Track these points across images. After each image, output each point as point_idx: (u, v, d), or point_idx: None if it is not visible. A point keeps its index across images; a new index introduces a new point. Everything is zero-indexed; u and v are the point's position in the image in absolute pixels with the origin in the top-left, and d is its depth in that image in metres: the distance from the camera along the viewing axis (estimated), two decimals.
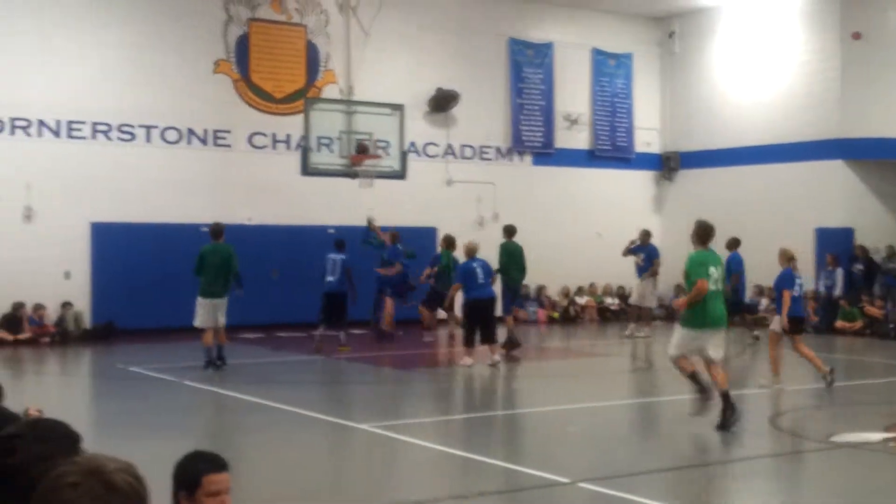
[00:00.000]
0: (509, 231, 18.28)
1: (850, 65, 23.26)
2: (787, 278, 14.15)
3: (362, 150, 19.89)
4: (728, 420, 10.58)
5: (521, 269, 18.12)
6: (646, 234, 21.29)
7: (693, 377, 10.84)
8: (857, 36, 23.17)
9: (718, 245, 20.10)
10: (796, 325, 14.06)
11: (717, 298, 10.77)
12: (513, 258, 17.88)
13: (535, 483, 8.65)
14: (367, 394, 14.18)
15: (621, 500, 8.10)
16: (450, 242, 19.22)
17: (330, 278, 18.18)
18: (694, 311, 10.74)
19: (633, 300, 21.81)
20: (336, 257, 18.32)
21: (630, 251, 21.30)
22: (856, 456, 9.98)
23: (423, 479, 9.26)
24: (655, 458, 10.28)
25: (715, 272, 10.73)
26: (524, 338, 21.32)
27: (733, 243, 19.74)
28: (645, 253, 20.97)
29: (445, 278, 18.53)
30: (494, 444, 10.97)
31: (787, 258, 14.32)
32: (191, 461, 4.11)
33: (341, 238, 18.98)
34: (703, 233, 11.02)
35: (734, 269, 18.87)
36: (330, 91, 22.57)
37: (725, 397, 10.64)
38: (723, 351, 10.98)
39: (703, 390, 10.77)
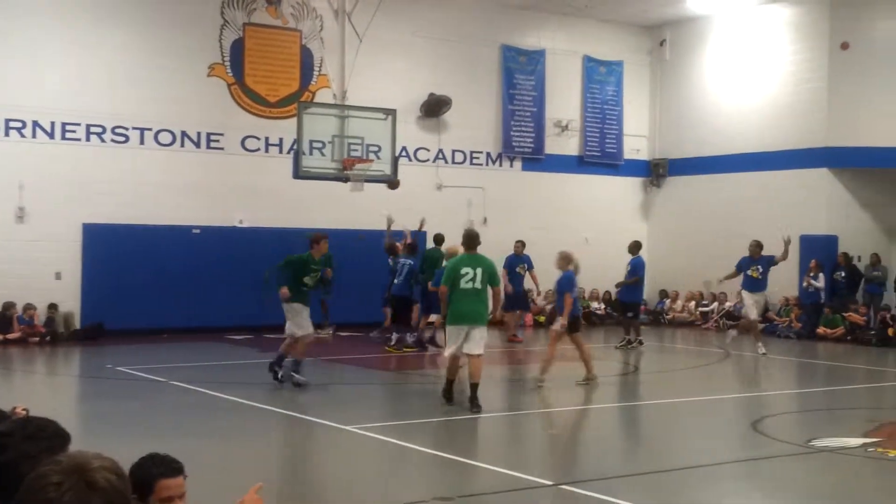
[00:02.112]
0: (437, 240, 19.94)
1: (838, 74, 23.50)
2: (567, 281, 14.55)
3: None
4: (474, 406, 12.10)
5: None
6: (757, 246, 19.56)
7: (449, 384, 12.41)
8: (845, 46, 23.41)
9: (619, 247, 20.94)
10: (575, 324, 14.66)
11: (473, 296, 12.22)
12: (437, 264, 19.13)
13: (518, 485, 8.76)
14: (354, 395, 14.30)
15: (602, 502, 8.19)
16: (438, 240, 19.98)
17: (395, 280, 18.99)
18: (451, 309, 12.26)
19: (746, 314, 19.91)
20: (405, 261, 18.98)
21: (743, 266, 19.64)
22: (834, 460, 10.13)
23: (406, 480, 9.35)
24: (638, 461, 10.45)
25: (471, 272, 12.19)
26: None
27: (635, 247, 20.35)
28: (761, 265, 19.54)
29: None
30: (479, 446, 11.13)
31: (567, 261, 14.69)
32: (144, 465, 4.01)
33: (414, 243, 19.56)
34: (467, 239, 12.76)
35: (636, 272, 20.22)
36: (323, 95, 22.71)
37: (474, 388, 12.23)
38: (482, 346, 12.37)
39: (448, 398, 12.40)
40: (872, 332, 21.61)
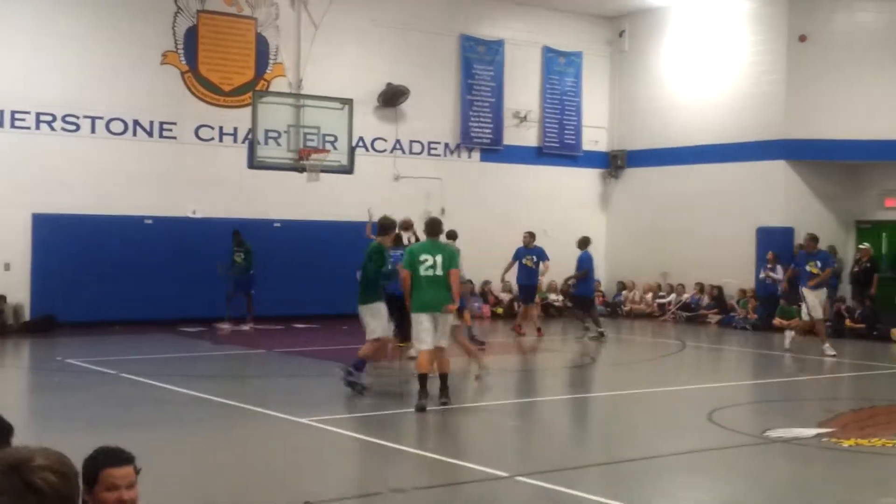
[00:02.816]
0: (450, 235, 18.36)
1: (796, 67, 23.62)
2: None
3: None
4: (443, 397, 11.79)
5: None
6: (812, 239, 18.67)
7: (422, 379, 11.71)
8: (803, 38, 23.53)
9: (568, 242, 20.74)
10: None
11: (435, 283, 11.86)
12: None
13: (474, 477, 8.67)
14: (309, 387, 14.14)
15: (559, 493, 8.15)
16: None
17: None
18: (415, 297, 11.94)
19: (806, 312, 18.49)
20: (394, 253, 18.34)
21: (799, 261, 18.66)
22: (789, 451, 10.14)
23: (362, 472, 9.28)
24: (594, 452, 10.44)
25: (430, 259, 11.89)
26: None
27: (583, 242, 20.28)
28: (820, 260, 18.39)
29: None
30: (434, 438, 11.01)
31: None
32: (94, 457, 4.02)
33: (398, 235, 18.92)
34: (428, 226, 12.42)
35: (583, 267, 20.24)
36: (279, 84, 22.49)
37: (444, 378, 11.91)
38: (447, 336, 12.08)
39: (423, 395, 11.62)
40: (828, 324, 21.72)
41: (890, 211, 23.78)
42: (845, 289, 23.10)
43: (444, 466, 9.18)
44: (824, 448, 10.05)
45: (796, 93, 23.62)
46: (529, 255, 20.64)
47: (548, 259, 20.76)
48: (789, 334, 18.72)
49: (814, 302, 18.14)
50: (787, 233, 23.69)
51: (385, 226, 13.37)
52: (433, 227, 12.38)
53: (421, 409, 11.51)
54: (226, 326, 20.15)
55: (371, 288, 12.95)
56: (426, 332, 11.86)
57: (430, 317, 11.87)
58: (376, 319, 12.91)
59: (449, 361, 12.16)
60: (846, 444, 10.16)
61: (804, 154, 23.73)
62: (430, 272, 11.89)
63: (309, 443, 10.36)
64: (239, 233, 20.60)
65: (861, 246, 23.24)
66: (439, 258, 11.95)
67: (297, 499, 7.62)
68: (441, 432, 11.33)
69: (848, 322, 21.43)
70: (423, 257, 11.95)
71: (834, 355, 17.76)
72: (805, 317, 18.41)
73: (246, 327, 20.36)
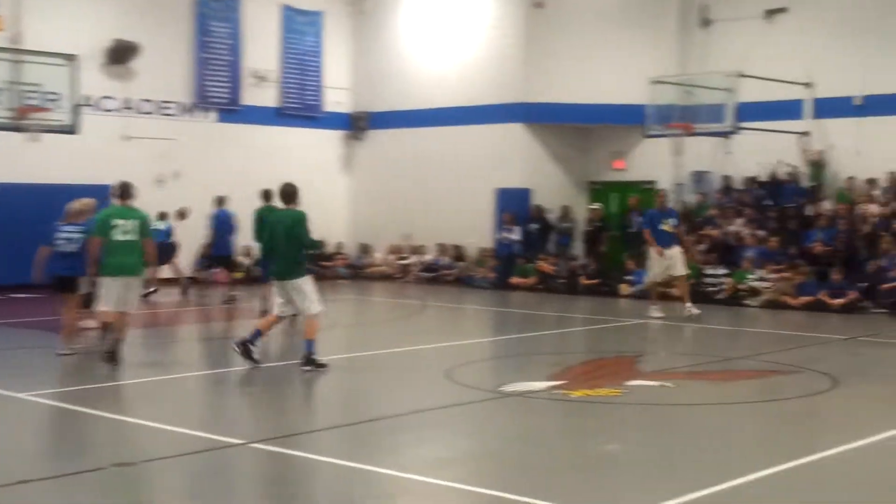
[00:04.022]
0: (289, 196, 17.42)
1: (533, 33, 24.27)
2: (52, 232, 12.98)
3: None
4: (112, 357, 11.99)
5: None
6: (666, 197, 18.27)
7: (117, 343, 12.06)
8: (539, 4, 24.16)
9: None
10: (62, 284, 12.88)
11: (126, 248, 12.04)
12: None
13: (206, 446, 8.37)
14: (30, 360, 13.26)
15: (296, 458, 8.05)
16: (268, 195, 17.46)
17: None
18: (107, 261, 12.03)
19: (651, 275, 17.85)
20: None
21: (652, 221, 17.67)
22: (522, 404, 10.39)
23: (85, 447, 8.76)
24: (331, 415, 10.36)
25: (125, 224, 12.04)
26: (211, 299, 20.85)
27: (218, 201, 20.15)
28: (674, 217, 17.85)
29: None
30: (163, 408, 10.52)
31: (80, 212, 13.07)
32: None
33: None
34: (119, 190, 12.45)
35: (214, 225, 19.97)
36: None
37: (118, 343, 12.11)
38: (135, 302, 12.44)
39: (111, 358, 12.01)
40: (562, 281, 22.59)
41: (618, 172, 24.92)
42: (578, 247, 24.04)
43: (174, 437, 8.82)
44: (555, 400, 10.38)
45: (533, 58, 24.27)
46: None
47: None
48: (688, 306, 17.52)
49: (664, 262, 17.37)
50: (524, 194, 24.40)
51: (290, 193, 12.74)
52: (125, 190, 12.42)
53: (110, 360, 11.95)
54: None
55: (303, 260, 12.27)
56: (111, 295, 12.05)
57: (120, 281, 12.05)
58: (307, 292, 12.11)
59: (127, 327, 12.36)
60: (575, 395, 10.53)
61: (540, 117, 24.47)
62: (124, 237, 12.05)
63: (28, 419, 9.76)
64: None
65: (592, 206, 24.27)
66: (132, 223, 12.14)
67: (11, 478, 7.11)
68: (171, 402, 10.87)
69: (583, 279, 22.32)
70: (117, 222, 12.08)
71: (698, 314, 17.26)
72: (651, 279, 17.80)
73: None
